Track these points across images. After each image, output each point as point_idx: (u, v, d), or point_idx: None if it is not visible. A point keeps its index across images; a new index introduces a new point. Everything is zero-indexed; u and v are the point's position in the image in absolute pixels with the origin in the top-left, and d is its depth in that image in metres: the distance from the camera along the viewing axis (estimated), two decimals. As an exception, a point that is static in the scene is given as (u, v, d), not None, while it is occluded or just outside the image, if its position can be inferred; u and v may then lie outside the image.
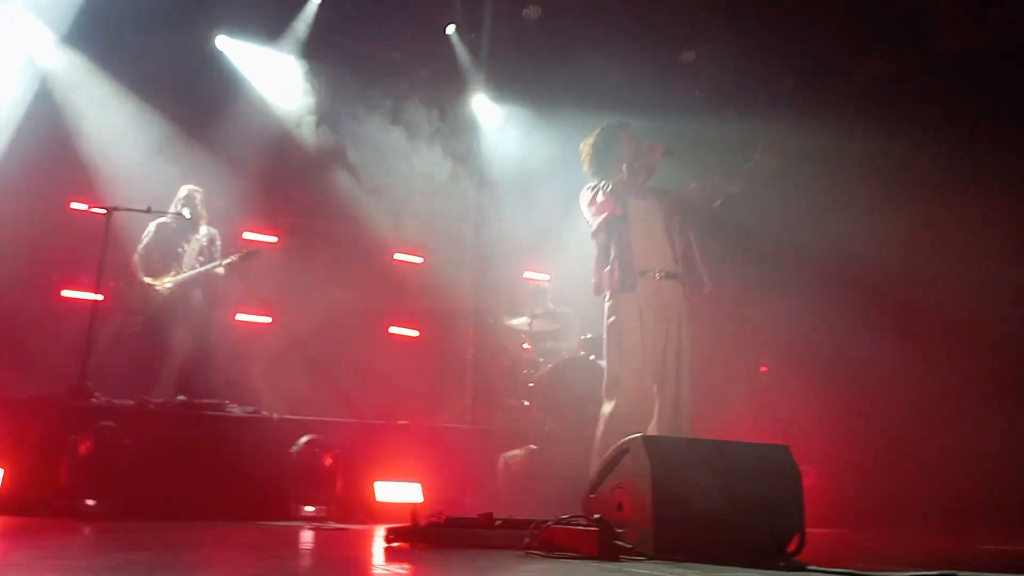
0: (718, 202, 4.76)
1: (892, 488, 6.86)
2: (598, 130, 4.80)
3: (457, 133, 8.67)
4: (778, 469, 3.39)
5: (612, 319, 4.52)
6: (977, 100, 7.01)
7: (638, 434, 3.53)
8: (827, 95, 7.69)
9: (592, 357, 6.30)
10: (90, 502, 4.73)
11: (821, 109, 7.40)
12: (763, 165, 4.62)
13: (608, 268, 4.54)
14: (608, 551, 3.07)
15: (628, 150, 4.65)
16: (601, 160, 4.71)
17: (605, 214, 4.57)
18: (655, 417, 4.43)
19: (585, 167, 4.81)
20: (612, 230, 4.57)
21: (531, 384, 6.81)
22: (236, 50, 7.78)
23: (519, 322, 7.24)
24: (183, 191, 6.48)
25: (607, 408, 4.43)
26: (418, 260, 8.14)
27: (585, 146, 4.80)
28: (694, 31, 7.87)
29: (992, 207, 6.77)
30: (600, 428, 4.41)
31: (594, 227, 4.66)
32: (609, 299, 4.57)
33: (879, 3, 7.12)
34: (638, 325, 4.45)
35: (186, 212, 6.30)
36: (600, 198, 4.57)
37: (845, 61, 7.72)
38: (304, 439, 5.31)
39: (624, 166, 4.55)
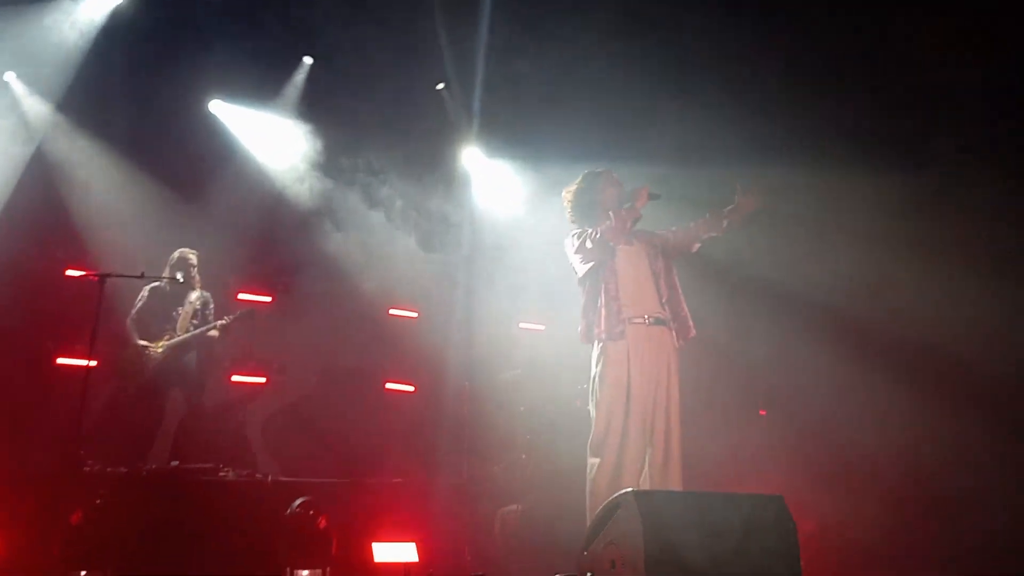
0: (697, 246, 4.79)
1: (894, 535, 6.78)
2: (579, 177, 4.82)
3: (450, 185, 8.75)
4: (772, 521, 3.37)
5: (600, 368, 4.48)
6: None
7: (629, 489, 3.52)
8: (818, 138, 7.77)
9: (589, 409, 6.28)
10: (83, 573, 4.68)
11: (804, 153, 7.49)
12: (743, 207, 4.66)
13: (596, 316, 4.52)
14: (601, 610, 3.04)
15: (611, 196, 4.67)
16: (583, 207, 4.73)
17: (592, 262, 4.57)
18: (646, 468, 4.38)
19: (568, 215, 4.81)
20: (599, 277, 4.56)
21: (528, 437, 6.77)
22: (229, 113, 7.89)
23: (513, 376, 7.22)
24: (176, 254, 6.54)
25: (596, 461, 4.38)
26: (413, 315, 8.15)
27: (567, 194, 4.82)
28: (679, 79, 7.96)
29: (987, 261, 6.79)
30: (590, 483, 4.36)
31: (581, 274, 4.65)
32: (597, 347, 4.53)
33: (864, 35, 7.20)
34: (626, 374, 4.42)
35: (179, 276, 6.33)
36: (588, 245, 4.56)
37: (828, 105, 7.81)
38: (298, 501, 5.26)
39: (611, 212, 4.56)
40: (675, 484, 4.35)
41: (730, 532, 3.26)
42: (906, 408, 6.92)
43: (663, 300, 4.59)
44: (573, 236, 4.70)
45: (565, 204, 4.82)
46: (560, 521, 5.07)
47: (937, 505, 6.69)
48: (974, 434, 6.47)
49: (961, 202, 6.84)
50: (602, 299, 4.51)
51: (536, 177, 8.02)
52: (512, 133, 8.42)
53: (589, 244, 4.54)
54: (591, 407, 4.54)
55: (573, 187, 4.80)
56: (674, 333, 4.59)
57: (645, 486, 4.35)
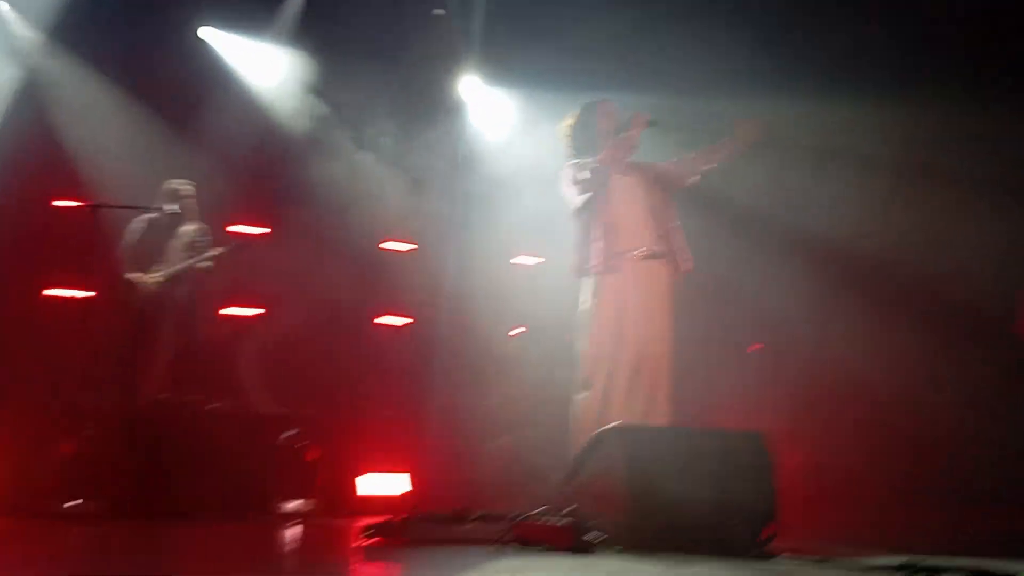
0: (696, 178, 4.70)
1: (885, 468, 6.84)
2: (576, 110, 4.71)
3: (447, 115, 8.59)
4: (752, 457, 3.38)
5: (593, 302, 4.41)
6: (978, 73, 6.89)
7: (613, 423, 3.52)
8: (818, 68, 7.59)
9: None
10: (75, 503, 4.74)
11: (814, 84, 7.32)
12: (741, 139, 4.56)
13: (589, 249, 4.43)
14: (582, 544, 3.06)
15: (608, 125, 4.56)
16: (581, 139, 4.62)
17: (588, 192, 4.47)
18: (631, 403, 4.36)
19: (565, 148, 4.71)
20: (593, 208, 4.47)
21: (519, 371, 6.79)
22: (220, 41, 7.69)
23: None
24: (169, 185, 6.44)
25: (583, 395, 4.36)
26: (405, 248, 8.09)
27: (564, 127, 4.71)
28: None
29: (988, 190, 6.68)
30: (578, 417, 4.34)
31: (576, 206, 4.54)
32: (591, 281, 4.45)
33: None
34: (620, 308, 4.37)
35: (176, 207, 6.25)
36: (584, 175, 4.46)
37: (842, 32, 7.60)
38: (287, 433, 5.30)
39: (610, 141, 4.46)
40: (663, 419, 4.34)
41: (712, 467, 3.27)
42: (902, 343, 6.91)
43: (660, 232, 4.51)
44: (568, 167, 4.60)
45: (561, 138, 4.72)
46: (550, 455, 5.10)
47: (930, 439, 6.74)
48: (973, 370, 6.47)
49: (968, 131, 6.72)
50: (597, 232, 4.43)
51: (536, 105, 7.84)
52: (512, 60, 8.21)
53: (586, 173, 4.45)
54: (580, 341, 4.48)
55: (570, 120, 4.69)
56: (670, 267, 4.52)
57: (632, 421, 4.33)
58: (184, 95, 7.47)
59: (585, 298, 4.47)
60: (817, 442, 6.71)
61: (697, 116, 6.18)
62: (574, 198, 4.54)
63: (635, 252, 4.44)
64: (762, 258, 7.46)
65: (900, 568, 2.25)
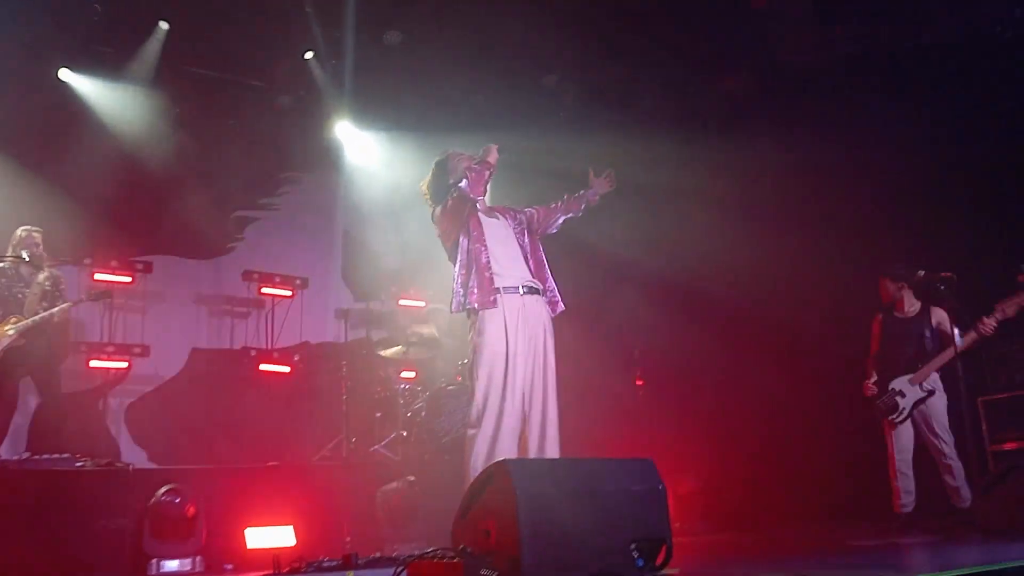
0: (556, 229, 4.82)
1: (770, 492, 7.08)
2: (431, 168, 4.74)
3: (322, 161, 8.50)
4: (643, 482, 3.38)
5: (479, 337, 4.38)
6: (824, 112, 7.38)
7: (503, 458, 3.46)
8: (683, 113, 7.98)
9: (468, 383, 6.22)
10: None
11: (678, 127, 7.67)
12: (597, 189, 4.75)
13: (469, 285, 4.42)
14: (474, 582, 2.98)
15: (461, 168, 4.60)
16: (439, 189, 4.63)
17: (459, 225, 4.46)
18: (524, 438, 4.35)
19: (429, 203, 4.72)
20: (470, 248, 4.48)
21: (408, 414, 6.67)
22: (80, 83, 7.36)
23: (393, 352, 7.10)
24: (20, 232, 6.06)
25: (474, 432, 4.30)
26: (287, 293, 7.87)
27: (423, 186, 4.73)
28: (554, 55, 7.99)
29: (845, 223, 7.09)
30: (470, 453, 4.27)
31: (450, 243, 4.54)
32: (473, 318, 4.44)
33: (729, 23, 7.41)
34: (504, 342, 4.36)
35: (25, 255, 5.88)
36: (449, 204, 4.45)
37: (701, 80, 8.02)
38: (163, 489, 5.00)
39: (465, 169, 4.48)
40: (553, 452, 4.34)
41: (604, 496, 3.25)
42: (771, 371, 7.21)
43: (533, 272, 4.57)
44: (436, 208, 4.61)
45: (424, 196, 4.73)
46: (442, 497, 5.00)
47: (807, 462, 7.03)
48: (835, 395, 6.78)
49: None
50: (474, 268, 4.43)
51: (411, 147, 7.85)
52: (384, 103, 8.23)
53: (449, 202, 4.45)
54: (471, 379, 4.45)
55: (427, 178, 4.72)
56: (546, 305, 4.58)
57: (524, 455, 4.31)
58: (40, 137, 7.10)
59: (471, 335, 4.44)
60: (711, 468, 6.88)
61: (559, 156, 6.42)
62: (448, 234, 4.53)
63: (513, 288, 4.46)
64: (645, 298, 7.72)
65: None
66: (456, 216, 4.47)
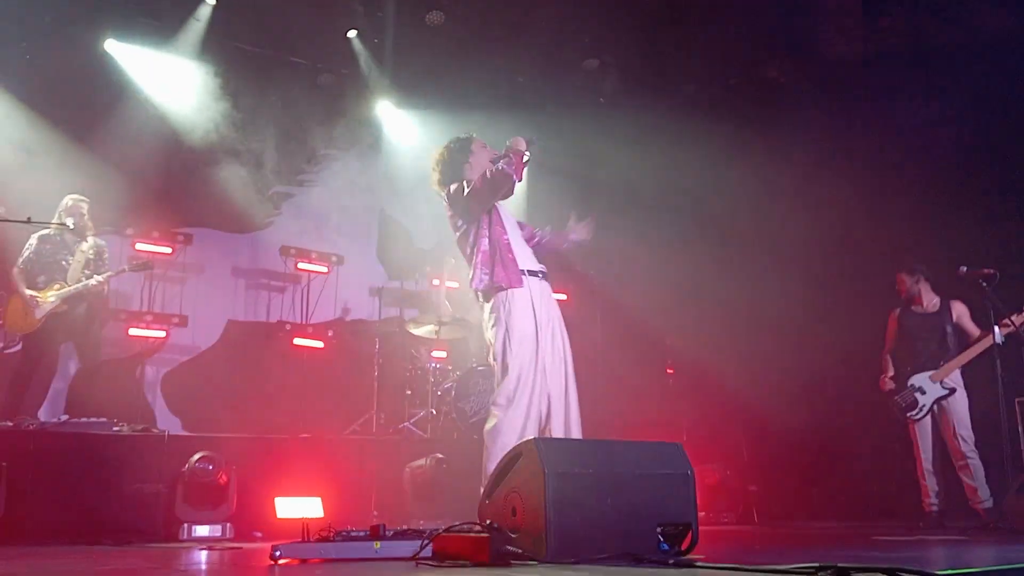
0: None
1: (799, 488, 7.04)
2: (442, 147, 4.67)
3: (362, 138, 8.55)
4: (671, 467, 3.38)
5: (508, 317, 4.33)
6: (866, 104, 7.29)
7: (531, 437, 3.48)
8: (723, 101, 7.92)
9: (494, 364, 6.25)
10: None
11: (717, 114, 7.62)
12: (577, 235, 4.85)
13: (493, 266, 4.39)
14: (499, 557, 3.01)
15: (482, 158, 4.57)
16: (449, 172, 4.58)
17: (486, 206, 4.43)
18: (548, 417, 4.36)
19: (434, 180, 4.62)
20: (491, 229, 4.46)
21: (439, 393, 6.73)
22: (126, 54, 7.46)
23: (425, 331, 7.15)
24: (67, 201, 6.18)
25: (504, 413, 4.30)
26: (322, 269, 7.96)
27: (435, 157, 4.65)
28: (596, 40, 7.96)
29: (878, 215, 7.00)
30: (496, 434, 4.28)
31: (472, 221, 4.48)
32: (500, 297, 4.39)
33: (772, 11, 7.32)
34: (532, 322, 4.37)
35: (70, 223, 5.99)
36: (488, 182, 4.33)
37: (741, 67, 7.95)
38: (196, 456, 5.10)
39: (508, 150, 4.44)
40: (577, 432, 4.37)
41: (630, 478, 3.26)
42: (806, 363, 7.14)
43: (538, 260, 4.63)
44: (462, 183, 4.48)
45: (434, 171, 4.62)
46: (469, 475, 5.04)
47: (839, 456, 6.97)
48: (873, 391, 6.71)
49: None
50: (498, 249, 4.42)
51: (450, 128, 7.86)
52: (425, 83, 8.25)
53: (489, 179, 4.33)
54: (499, 359, 4.42)
55: (441, 155, 4.63)
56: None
57: (547, 435, 4.33)
58: (87, 108, 7.22)
59: (494, 316, 4.42)
60: (733, 460, 6.85)
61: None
62: (469, 213, 4.48)
63: (534, 271, 4.49)
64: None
65: (819, 568, 2.28)
66: (493, 195, 4.43)
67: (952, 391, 5.64)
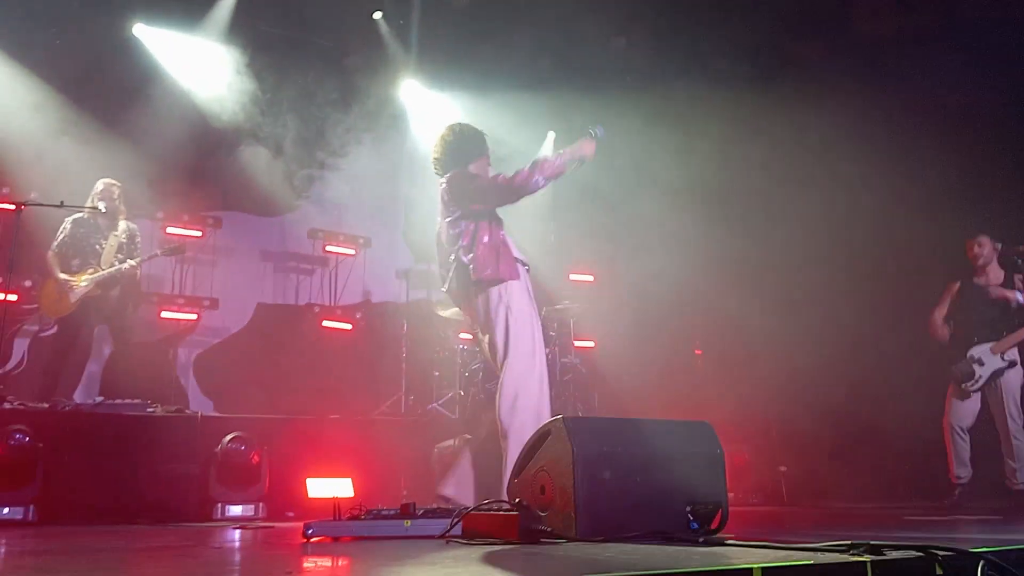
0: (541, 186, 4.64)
1: (831, 465, 7.00)
2: (447, 128, 4.64)
3: (387, 121, 8.55)
4: (700, 446, 3.37)
5: (513, 305, 4.39)
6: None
7: (559, 416, 3.48)
8: (755, 78, 7.81)
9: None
10: (4, 510, 4.55)
11: (749, 91, 7.52)
12: (577, 153, 4.47)
13: (497, 255, 4.42)
14: (528, 535, 3.02)
15: (485, 162, 4.60)
16: (451, 158, 4.55)
17: (513, 199, 4.40)
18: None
19: (439, 151, 4.57)
20: (492, 222, 4.48)
21: (466, 374, 6.75)
22: (154, 38, 7.52)
23: (453, 312, 7.16)
24: (99, 185, 6.25)
25: (522, 392, 4.34)
26: (350, 252, 7.99)
27: (444, 135, 4.60)
28: (625, 18, 7.88)
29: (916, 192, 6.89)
30: (518, 412, 4.31)
31: (486, 208, 4.45)
32: (491, 289, 4.42)
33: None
34: (533, 309, 4.47)
35: (102, 207, 6.05)
36: (523, 178, 4.29)
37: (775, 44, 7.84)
38: (229, 437, 5.16)
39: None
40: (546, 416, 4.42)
41: (659, 456, 3.26)
42: (837, 343, 7.07)
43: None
44: (472, 175, 4.48)
45: (446, 137, 4.57)
46: (497, 456, 5.06)
47: (869, 435, 6.91)
48: (903, 370, 6.64)
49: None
50: (499, 241, 4.45)
51: (475, 109, 7.84)
52: (450, 64, 8.22)
53: (527, 185, 4.30)
54: (507, 342, 4.42)
55: (449, 141, 4.56)
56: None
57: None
58: (117, 93, 7.29)
59: (502, 301, 4.42)
60: (761, 441, 6.82)
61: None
62: (489, 199, 4.45)
63: (523, 261, 4.53)
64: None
65: (851, 546, 2.26)
66: (521, 193, 4.40)
67: (1013, 364, 5.57)
